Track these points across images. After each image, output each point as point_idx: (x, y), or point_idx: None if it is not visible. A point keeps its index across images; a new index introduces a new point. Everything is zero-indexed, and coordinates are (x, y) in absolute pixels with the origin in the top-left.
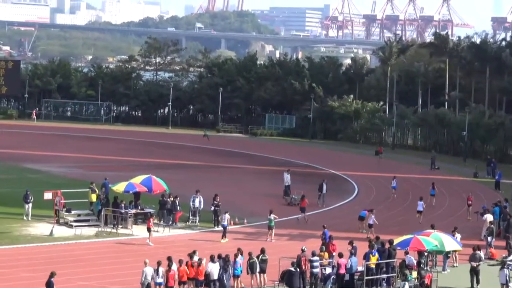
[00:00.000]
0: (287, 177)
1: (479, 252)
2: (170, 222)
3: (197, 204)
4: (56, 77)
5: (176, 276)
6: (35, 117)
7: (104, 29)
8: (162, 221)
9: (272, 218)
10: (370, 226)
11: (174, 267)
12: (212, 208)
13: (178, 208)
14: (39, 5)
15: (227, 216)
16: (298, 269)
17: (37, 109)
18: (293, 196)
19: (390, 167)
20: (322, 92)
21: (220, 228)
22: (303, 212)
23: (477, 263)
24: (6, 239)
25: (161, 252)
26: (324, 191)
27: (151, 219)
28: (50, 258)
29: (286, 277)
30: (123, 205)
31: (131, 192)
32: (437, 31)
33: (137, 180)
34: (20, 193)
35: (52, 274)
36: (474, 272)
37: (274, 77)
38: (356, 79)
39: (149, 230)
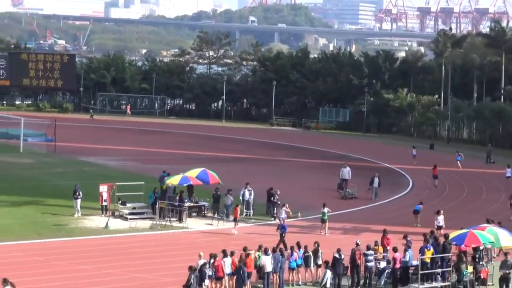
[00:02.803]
0: (344, 171)
1: (510, 259)
2: (226, 216)
3: (247, 197)
4: (111, 70)
5: (228, 269)
6: (129, 112)
7: (158, 22)
8: (216, 214)
9: (326, 211)
10: (439, 228)
11: (228, 259)
12: (272, 200)
13: (227, 201)
14: None
15: (284, 209)
16: (342, 256)
17: (130, 104)
18: (347, 190)
19: (444, 161)
20: (377, 85)
21: (276, 221)
22: (435, 179)
23: (509, 271)
24: (62, 232)
25: (215, 245)
26: (375, 184)
27: (238, 209)
28: (105, 250)
29: (331, 262)
30: (177, 198)
31: (185, 185)
32: (493, 23)
33: (192, 173)
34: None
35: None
36: (505, 280)
37: (328, 71)
38: (411, 72)
39: (235, 220)
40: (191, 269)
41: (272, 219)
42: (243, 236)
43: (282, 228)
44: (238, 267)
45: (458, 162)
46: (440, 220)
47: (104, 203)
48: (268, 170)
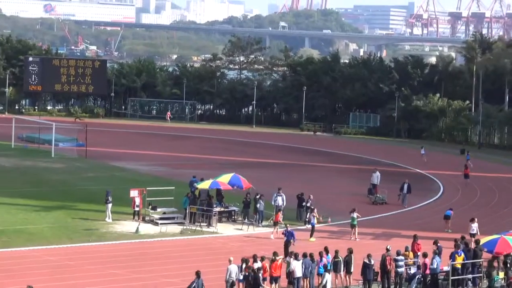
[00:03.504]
0: (374, 176)
1: None
2: (256, 221)
3: (280, 202)
4: (142, 76)
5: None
6: (168, 118)
7: (188, 28)
8: (246, 220)
9: (355, 216)
10: (473, 236)
11: (259, 264)
12: (305, 205)
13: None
14: (125, 5)
15: (313, 214)
16: (373, 261)
17: (171, 111)
18: (378, 195)
19: (476, 167)
20: (407, 91)
21: (306, 226)
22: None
23: None
24: (94, 236)
25: (245, 250)
26: (405, 191)
27: (279, 213)
28: (135, 255)
29: (361, 268)
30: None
31: (213, 188)
32: None
33: (225, 179)
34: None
35: None
36: None
37: (358, 76)
38: (442, 77)
39: (275, 224)
40: (197, 274)
41: (304, 224)
42: (273, 241)
43: (290, 235)
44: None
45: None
46: (474, 227)
47: (137, 208)
48: (298, 175)
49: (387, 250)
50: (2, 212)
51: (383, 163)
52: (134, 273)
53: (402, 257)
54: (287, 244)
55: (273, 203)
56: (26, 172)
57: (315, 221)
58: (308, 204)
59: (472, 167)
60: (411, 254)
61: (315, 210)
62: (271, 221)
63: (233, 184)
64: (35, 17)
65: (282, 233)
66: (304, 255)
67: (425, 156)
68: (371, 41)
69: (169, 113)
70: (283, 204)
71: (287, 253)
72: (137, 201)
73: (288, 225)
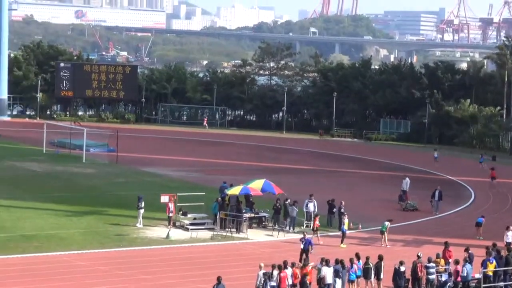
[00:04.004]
0: (403, 183)
1: None
2: (287, 227)
3: (311, 209)
4: (172, 81)
5: (290, 280)
6: (206, 124)
7: (219, 34)
8: (276, 226)
9: (386, 224)
10: (508, 244)
11: (289, 271)
12: (339, 211)
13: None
14: (156, 11)
15: (346, 220)
16: (403, 268)
17: (207, 116)
18: (408, 202)
19: (507, 173)
20: (438, 95)
21: (336, 232)
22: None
23: None
24: (124, 241)
25: (275, 256)
26: (436, 198)
27: (316, 219)
28: (166, 260)
29: (392, 275)
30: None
31: (243, 194)
32: None
33: (257, 185)
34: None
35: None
36: None
37: (389, 82)
38: (473, 83)
39: (315, 230)
40: (218, 280)
41: (339, 230)
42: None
43: (308, 243)
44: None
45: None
46: (510, 236)
47: (171, 214)
48: (329, 181)
49: (418, 257)
50: (34, 217)
51: (414, 170)
52: (164, 278)
53: (433, 264)
54: (305, 252)
55: (304, 209)
56: (57, 177)
57: (346, 227)
58: (342, 210)
59: (485, 169)
60: (442, 261)
61: (346, 216)
62: (302, 228)
63: (265, 190)
64: (66, 23)
65: (300, 240)
66: (336, 262)
67: (437, 160)
68: (401, 47)
69: (206, 119)
70: (315, 210)
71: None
72: (171, 206)
73: (305, 233)
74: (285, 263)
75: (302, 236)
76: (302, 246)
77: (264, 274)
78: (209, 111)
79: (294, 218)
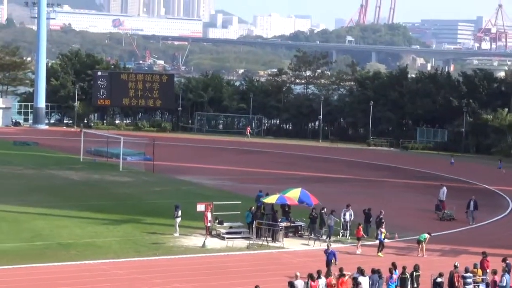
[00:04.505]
0: (441, 192)
1: None
2: (322, 236)
3: (347, 218)
4: (208, 90)
5: None
6: (248, 134)
7: (255, 43)
8: (312, 235)
9: (425, 235)
10: None
11: (322, 280)
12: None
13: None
14: (193, 20)
15: (382, 230)
16: (441, 279)
17: (250, 126)
18: (445, 211)
19: None
20: (475, 104)
21: (373, 242)
22: None
23: None
24: (161, 250)
25: (312, 265)
26: (471, 208)
27: (360, 227)
28: (202, 269)
29: (432, 285)
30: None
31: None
32: None
33: (292, 194)
34: (174, 205)
35: None
36: None
37: (426, 91)
38: (510, 92)
39: (358, 239)
40: None
41: (375, 239)
42: (340, 257)
43: (331, 255)
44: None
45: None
46: None
47: (209, 224)
48: (365, 190)
49: (455, 267)
50: (71, 225)
51: (451, 179)
52: (199, 287)
53: (471, 274)
54: (329, 264)
55: (342, 218)
56: (94, 186)
57: (382, 236)
58: (381, 220)
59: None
60: (479, 271)
61: (383, 225)
62: (338, 237)
63: (302, 201)
64: (103, 32)
65: (324, 252)
66: (373, 271)
67: (453, 165)
68: (438, 56)
69: (248, 128)
70: (351, 219)
71: (329, 272)
72: (209, 216)
73: (330, 244)
74: (318, 272)
75: (326, 248)
76: (326, 257)
77: (289, 283)
78: (245, 120)
79: (331, 228)
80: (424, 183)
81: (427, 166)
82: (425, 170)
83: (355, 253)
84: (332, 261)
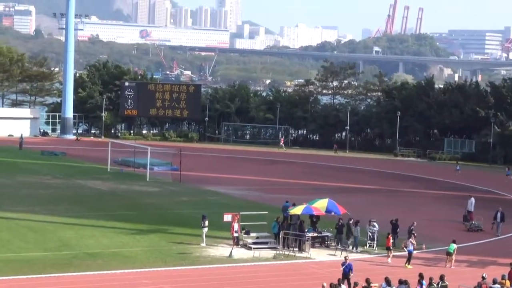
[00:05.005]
0: (469, 203)
1: None
2: (349, 247)
3: (375, 228)
4: (235, 100)
5: None
6: (283, 144)
7: (282, 53)
8: (339, 245)
9: (454, 246)
10: None
11: None
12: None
13: (356, 232)
14: (219, 30)
15: (411, 241)
16: None
17: (284, 136)
18: (473, 222)
19: None
20: (503, 117)
21: (400, 252)
22: None
23: None
24: (187, 260)
25: (338, 276)
26: (498, 219)
27: (390, 237)
28: (228, 279)
29: None
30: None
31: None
32: None
33: (319, 204)
34: (201, 215)
35: None
36: None
37: (453, 101)
38: None
39: (388, 248)
40: None
41: (404, 249)
42: (367, 267)
43: (348, 268)
44: None
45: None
46: None
47: (236, 234)
48: (392, 200)
49: (483, 278)
50: (98, 235)
51: (479, 190)
52: None
53: (499, 286)
54: (345, 278)
55: (368, 229)
56: (121, 196)
57: (412, 247)
58: (413, 232)
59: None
60: (507, 283)
61: (413, 236)
62: (365, 248)
63: (330, 210)
64: (131, 43)
65: (341, 265)
66: (400, 282)
67: (459, 172)
68: (466, 66)
69: (282, 139)
70: (377, 230)
71: (349, 283)
72: (236, 227)
73: (347, 257)
74: (339, 281)
75: (344, 260)
76: (342, 270)
77: None
78: (272, 130)
79: (357, 238)
80: (451, 193)
81: (454, 177)
82: (452, 180)
83: (384, 263)
84: (349, 274)
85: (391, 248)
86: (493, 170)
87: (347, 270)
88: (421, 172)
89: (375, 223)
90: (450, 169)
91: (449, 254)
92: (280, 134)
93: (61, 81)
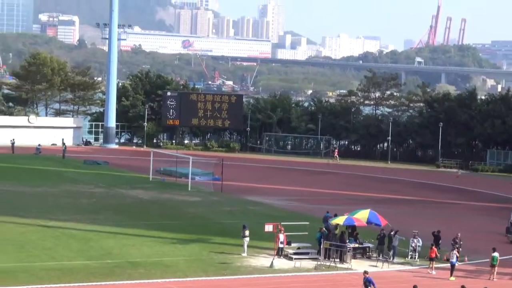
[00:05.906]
0: (511, 215)
1: None
2: (390, 258)
3: (419, 243)
4: (277, 111)
5: None
6: (337, 155)
7: (324, 63)
8: (380, 256)
9: (497, 256)
10: None
11: None
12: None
13: (395, 242)
14: (261, 40)
15: (455, 252)
16: None
17: (337, 147)
18: None
19: None
20: None
21: (442, 264)
22: None
23: None
24: (228, 270)
25: (380, 287)
26: None
27: (434, 249)
28: None
29: None
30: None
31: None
32: None
33: (360, 215)
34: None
35: None
36: None
37: (496, 112)
38: None
39: (431, 259)
40: None
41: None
42: (408, 279)
43: (369, 282)
44: None
45: None
46: None
47: (281, 245)
48: (434, 212)
49: None
50: (140, 244)
51: None
52: None
53: None
54: None
55: (411, 240)
56: (163, 205)
57: (456, 259)
58: (457, 244)
59: None
60: None
61: (456, 249)
62: (407, 259)
63: (371, 222)
64: (173, 53)
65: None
66: None
67: (459, 176)
68: (509, 77)
69: (337, 150)
70: (419, 242)
71: None
72: (281, 237)
73: (367, 272)
74: None
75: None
76: (363, 285)
77: None
78: (313, 140)
79: (395, 248)
80: (494, 205)
81: (497, 189)
82: (495, 192)
83: (428, 275)
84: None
85: (434, 259)
86: None
87: (368, 284)
88: (463, 184)
89: (419, 239)
90: (493, 181)
91: (493, 266)
92: (332, 146)
93: (104, 90)
